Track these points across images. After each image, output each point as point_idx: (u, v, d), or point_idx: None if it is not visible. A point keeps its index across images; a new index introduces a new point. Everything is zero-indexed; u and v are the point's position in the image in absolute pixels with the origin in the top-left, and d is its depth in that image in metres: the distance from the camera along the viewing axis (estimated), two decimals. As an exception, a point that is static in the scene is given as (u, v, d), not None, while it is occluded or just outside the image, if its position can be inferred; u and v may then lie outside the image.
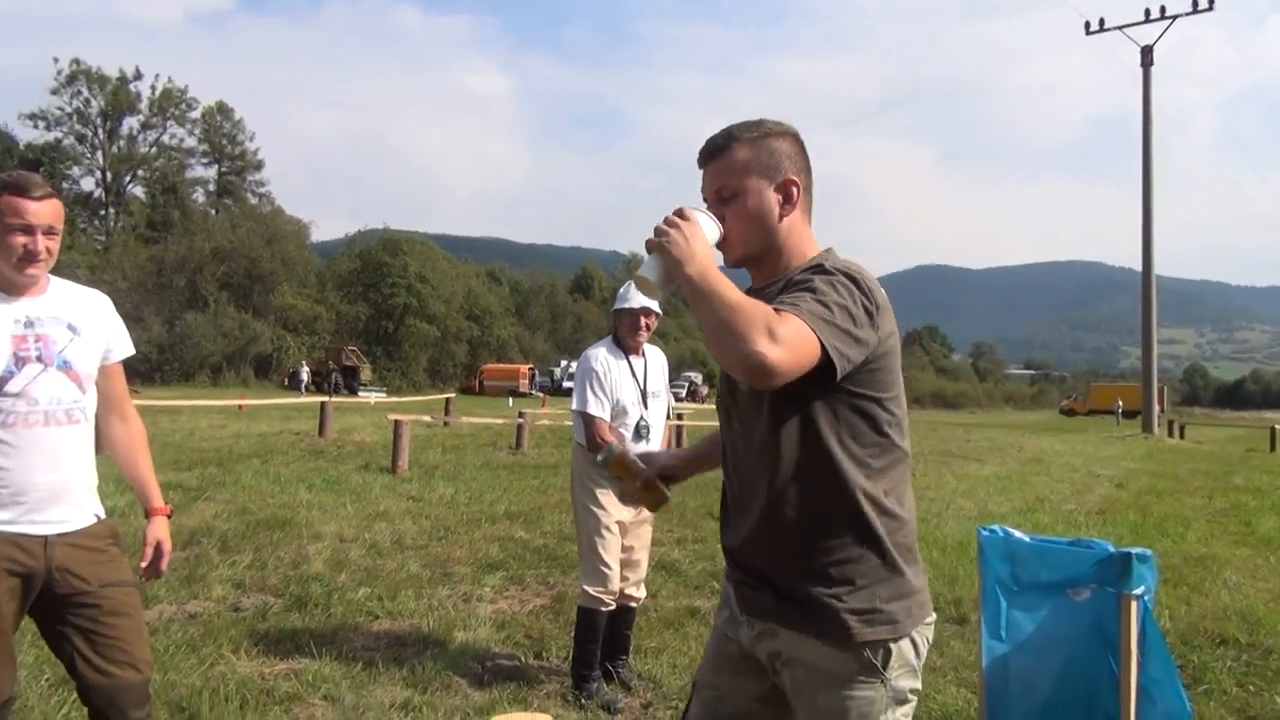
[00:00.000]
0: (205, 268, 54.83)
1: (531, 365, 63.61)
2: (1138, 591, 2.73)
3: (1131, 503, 11.33)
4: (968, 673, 4.30)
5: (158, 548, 2.64)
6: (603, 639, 4.16)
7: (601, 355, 4.24)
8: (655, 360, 4.34)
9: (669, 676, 4.34)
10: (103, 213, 63.72)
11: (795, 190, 1.80)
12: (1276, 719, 4.04)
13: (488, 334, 68.37)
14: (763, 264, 1.84)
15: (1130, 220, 35.93)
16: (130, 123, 63.32)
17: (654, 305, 4.22)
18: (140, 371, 44.31)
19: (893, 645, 1.72)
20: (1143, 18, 31.82)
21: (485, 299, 70.04)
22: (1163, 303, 38.64)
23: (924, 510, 9.77)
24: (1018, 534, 3.05)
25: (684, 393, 53.74)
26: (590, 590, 4.11)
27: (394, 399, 35.31)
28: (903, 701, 1.74)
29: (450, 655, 4.50)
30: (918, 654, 1.76)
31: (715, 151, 1.81)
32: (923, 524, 8.73)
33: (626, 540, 4.23)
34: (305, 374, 46.79)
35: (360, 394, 41.77)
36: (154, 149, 64.61)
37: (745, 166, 1.78)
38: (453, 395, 28.03)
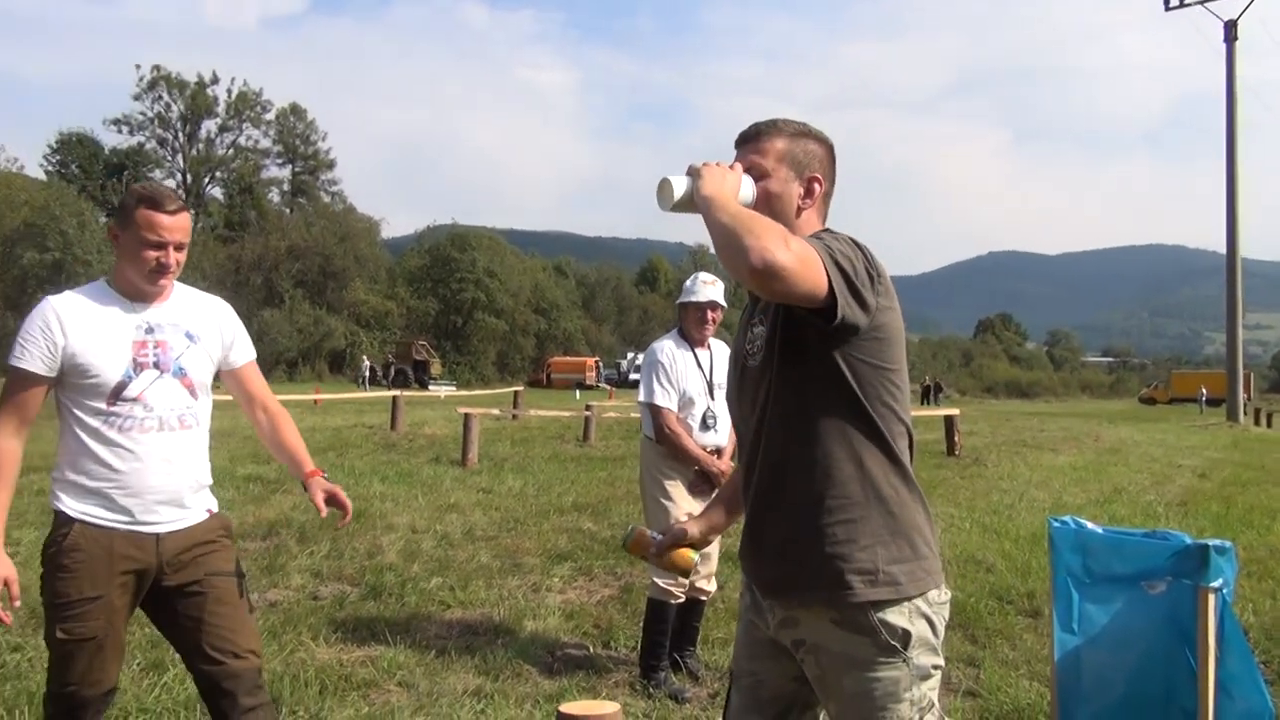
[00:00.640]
0: (280, 265, 56.26)
1: (598, 358, 63.92)
2: (1215, 584, 2.67)
3: (1214, 494, 10.99)
4: (1040, 666, 4.24)
5: (331, 497, 2.69)
6: (671, 630, 4.18)
7: (668, 347, 4.28)
8: (721, 353, 4.36)
9: (736, 667, 4.36)
10: (183, 214, 65.75)
11: (817, 187, 1.91)
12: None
13: (554, 327, 68.89)
14: None
15: (1214, 201, 34.65)
16: (208, 126, 65.28)
17: (720, 299, 4.24)
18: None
19: (909, 626, 1.75)
20: (1225, -8, 30.67)
21: (552, 292, 70.60)
22: (1248, 286, 37.17)
23: (995, 502, 9.61)
24: (1090, 525, 3.00)
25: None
26: (660, 581, 4.13)
27: (463, 392, 35.81)
28: (926, 677, 1.78)
29: (520, 644, 4.58)
30: (935, 631, 1.79)
31: (756, 136, 1.92)
32: (994, 515, 8.58)
33: None
34: (366, 369, 47.48)
35: (430, 388, 42.46)
36: (231, 151, 66.45)
37: (779, 155, 1.89)
38: (521, 388, 28.37)
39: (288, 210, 67.57)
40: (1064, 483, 11.61)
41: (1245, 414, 30.89)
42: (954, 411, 15.94)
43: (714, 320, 4.29)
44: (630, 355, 63.93)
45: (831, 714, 1.85)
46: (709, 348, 4.34)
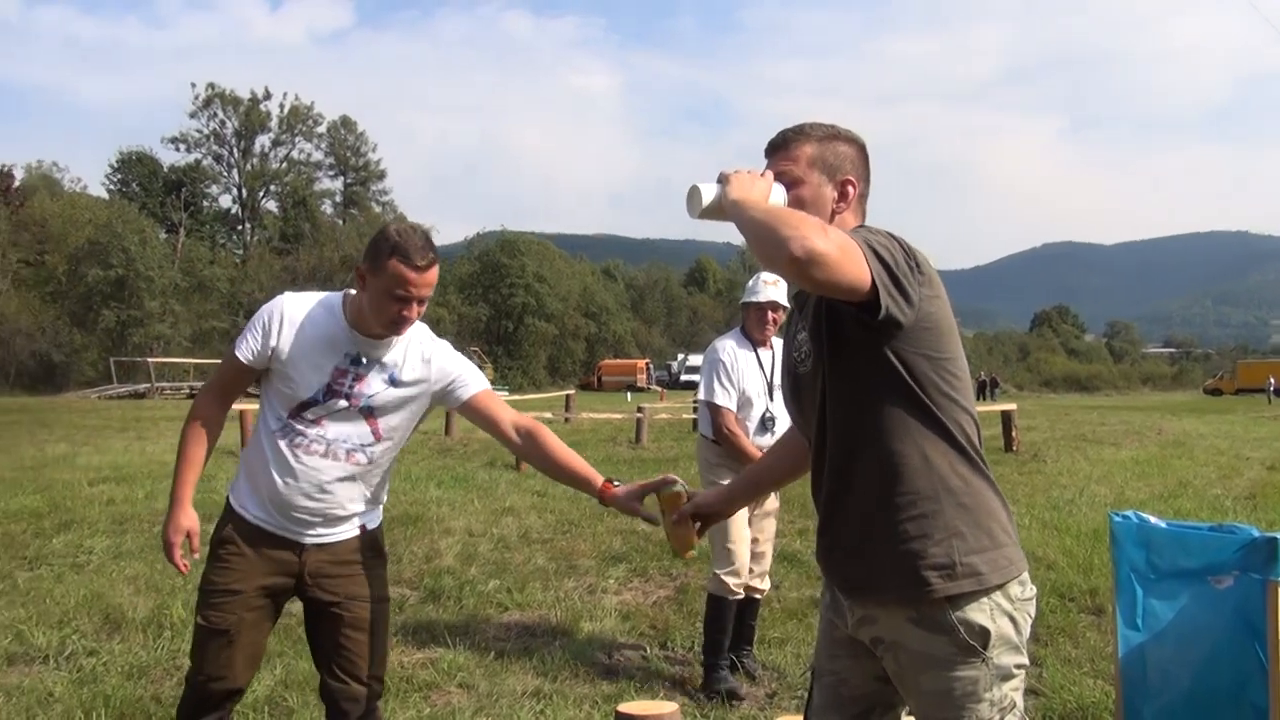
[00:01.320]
0: (335, 276, 57.12)
1: (648, 360, 63.98)
2: (1285, 578, 2.61)
3: (1285, 486, 10.67)
4: (1104, 664, 4.17)
5: (642, 490, 2.38)
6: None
7: (729, 346, 4.28)
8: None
9: (792, 666, 4.35)
10: (240, 227, 67.16)
11: (851, 189, 1.88)
12: None
13: (605, 330, 69.11)
14: None
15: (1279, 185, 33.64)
16: (262, 140, 66.44)
17: (782, 299, 4.21)
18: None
19: (990, 624, 1.71)
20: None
21: (601, 296, 70.83)
22: (1317, 272, 35.89)
23: (1055, 498, 9.45)
24: (1153, 519, 2.94)
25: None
26: (720, 574, 4.13)
27: (516, 397, 36.01)
28: (1008, 677, 1.73)
29: (578, 645, 4.61)
30: (1018, 630, 1.75)
31: (784, 143, 1.90)
32: (1054, 511, 8.44)
33: (751, 532, 4.25)
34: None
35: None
36: (284, 164, 67.60)
37: (810, 160, 1.87)
38: (572, 392, 28.44)
39: (340, 221, 68.60)
40: (1126, 477, 11.37)
41: (1316, 403, 29.95)
42: (1011, 406, 15.67)
43: (775, 321, 4.27)
44: (681, 356, 63.89)
45: (912, 711, 1.84)
46: (771, 347, 4.33)
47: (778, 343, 4.35)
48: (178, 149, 63.99)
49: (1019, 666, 1.76)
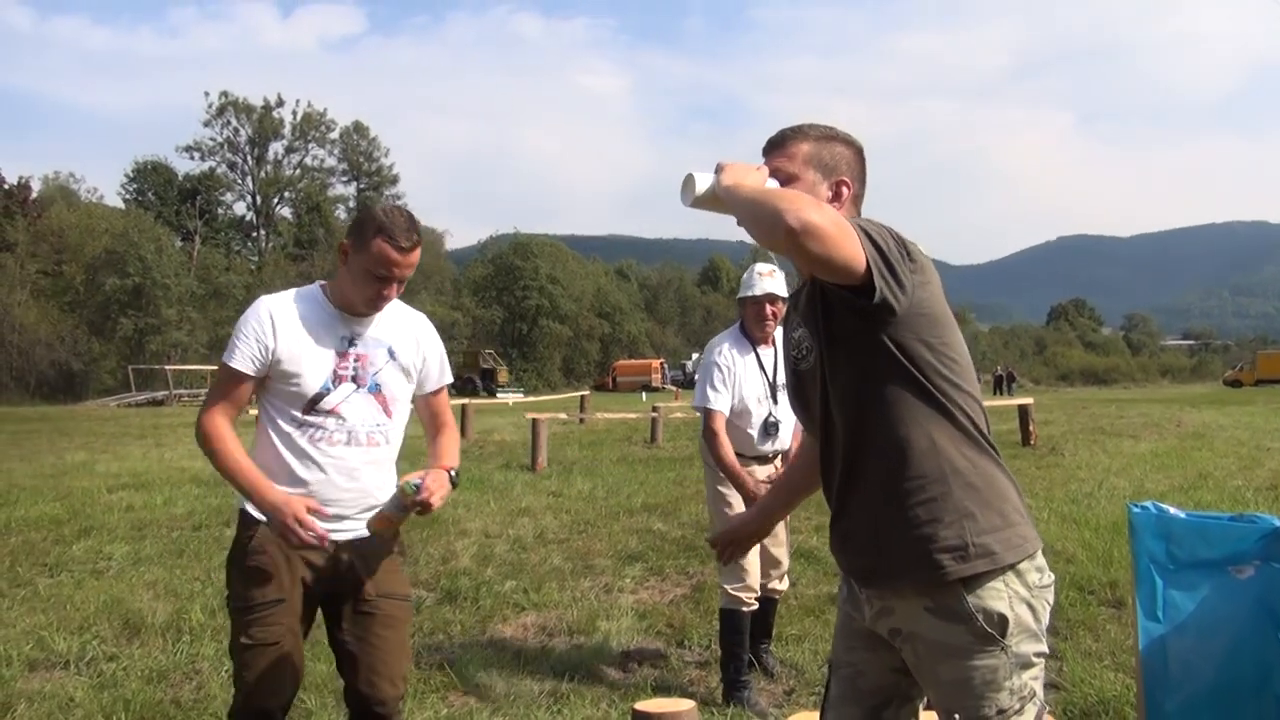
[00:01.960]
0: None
1: (662, 359, 63.98)
2: (1308, 567, 2.58)
3: (1307, 477, 10.56)
4: (1125, 657, 4.13)
5: (423, 487, 2.47)
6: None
7: (725, 348, 4.06)
8: None
9: (810, 663, 4.33)
10: (255, 234, 67.54)
11: (845, 190, 1.88)
12: None
13: (619, 331, 69.20)
14: None
15: (1296, 174, 33.30)
16: (275, 147, 66.83)
17: (780, 290, 4.01)
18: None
19: (1008, 611, 1.70)
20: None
21: (615, 296, 70.94)
22: (1337, 261, 35.55)
23: (1074, 491, 9.39)
24: (1172, 510, 2.91)
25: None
26: (729, 589, 3.98)
27: (531, 399, 36.14)
28: (1027, 666, 1.73)
29: (595, 644, 4.61)
30: (1037, 617, 1.74)
31: (782, 141, 1.91)
32: (1073, 505, 8.38)
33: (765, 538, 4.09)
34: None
35: (498, 395, 42.93)
36: (298, 171, 67.97)
37: (805, 158, 1.89)
38: (587, 393, 28.53)
39: (354, 226, 68.86)
40: (1145, 470, 11.28)
41: (1338, 393, 29.65)
42: (1028, 400, 15.58)
43: (775, 315, 4.04)
44: (695, 356, 63.77)
45: (932, 701, 1.83)
46: (772, 344, 4.10)
47: (779, 338, 4.16)
48: (192, 157, 64.47)
49: (1039, 655, 1.75)
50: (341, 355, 2.53)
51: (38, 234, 47.40)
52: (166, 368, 42.11)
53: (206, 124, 64.16)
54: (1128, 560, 3.64)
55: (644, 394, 42.02)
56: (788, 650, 4.50)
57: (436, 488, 2.49)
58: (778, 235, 1.57)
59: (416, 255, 2.51)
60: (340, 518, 2.53)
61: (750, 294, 4.07)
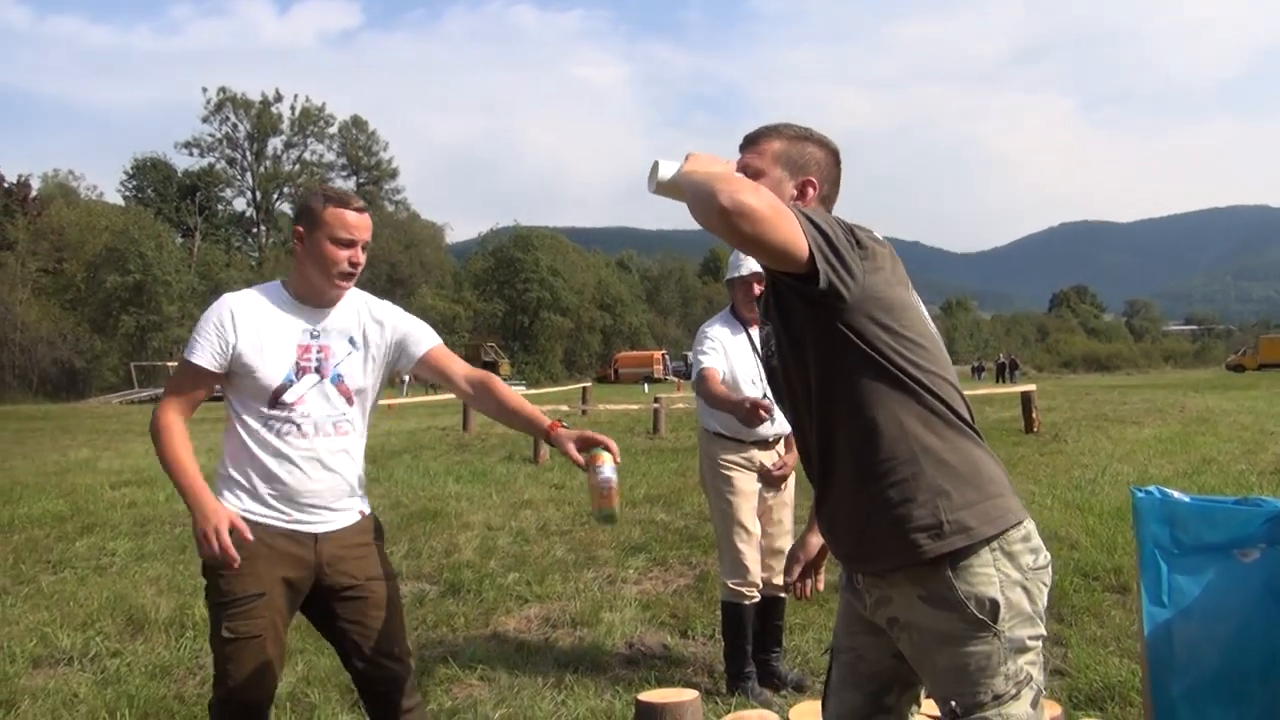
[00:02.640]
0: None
1: (664, 351, 63.98)
2: (1314, 549, 2.56)
3: (1311, 460, 10.54)
4: (1130, 643, 4.12)
5: (583, 441, 2.56)
6: (753, 632, 3.98)
7: (716, 328, 4.02)
8: None
9: (815, 652, 4.32)
10: (254, 230, 67.56)
11: (811, 190, 1.90)
12: None
13: (620, 322, 69.20)
14: None
15: (1297, 158, 33.19)
16: (274, 143, 66.86)
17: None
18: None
19: (999, 596, 1.70)
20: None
21: (616, 288, 70.92)
22: (1340, 244, 35.44)
23: (1077, 477, 9.37)
24: (1176, 494, 2.90)
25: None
26: (730, 584, 3.92)
27: (533, 391, 36.12)
28: (1022, 650, 1.72)
29: (598, 635, 4.61)
30: (1031, 600, 1.73)
31: (755, 138, 1.94)
32: (1077, 491, 8.37)
33: (768, 527, 4.03)
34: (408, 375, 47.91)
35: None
36: (297, 166, 67.96)
37: (775, 155, 1.91)
38: (589, 384, 28.52)
39: (354, 221, 68.86)
40: (1149, 455, 11.26)
41: (1341, 377, 29.60)
42: (1030, 387, 15.54)
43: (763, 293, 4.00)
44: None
45: (928, 689, 1.84)
46: None
47: None
48: (191, 154, 64.50)
49: (1034, 639, 1.74)
50: (304, 347, 2.54)
51: (38, 232, 47.39)
52: (169, 364, 42.11)
53: (205, 120, 64.26)
54: (1132, 545, 3.63)
55: (646, 385, 42.05)
56: (792, 638, 4.49)
57: (600, 435, 2.58)
58: (711, 215, 1.59)
59: (369, 221, 2.57)
60: (317, 508, 2.54)
61: (738, 274, 4.01)
